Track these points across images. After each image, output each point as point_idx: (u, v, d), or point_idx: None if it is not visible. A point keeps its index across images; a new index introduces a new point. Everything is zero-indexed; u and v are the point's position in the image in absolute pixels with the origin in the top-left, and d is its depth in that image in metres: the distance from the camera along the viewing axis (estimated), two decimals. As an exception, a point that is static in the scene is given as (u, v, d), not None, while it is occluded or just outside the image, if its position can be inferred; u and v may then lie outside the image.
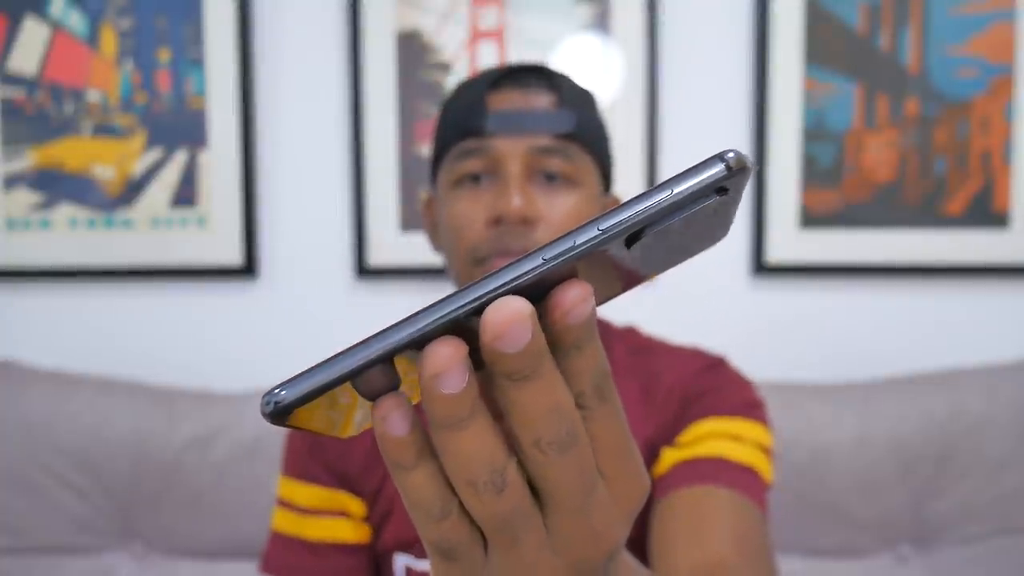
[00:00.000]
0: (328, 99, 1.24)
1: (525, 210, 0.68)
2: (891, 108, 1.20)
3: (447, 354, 0.23)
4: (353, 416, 0.27)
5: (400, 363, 0.25)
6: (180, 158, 1.24)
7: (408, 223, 1.23)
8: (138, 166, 1.24)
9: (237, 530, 1.11)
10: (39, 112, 1.24)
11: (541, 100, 0.72)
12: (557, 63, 1.21)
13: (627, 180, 1.21)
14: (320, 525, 0.80)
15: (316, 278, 1.26)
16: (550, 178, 0.71)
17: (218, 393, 1.16)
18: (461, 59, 1.21)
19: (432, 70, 1.21)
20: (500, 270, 0.24)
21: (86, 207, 1.24)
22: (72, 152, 1.24)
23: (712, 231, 0.27)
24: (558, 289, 0.24)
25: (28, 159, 1.24)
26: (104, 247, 1.25)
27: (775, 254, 1.22)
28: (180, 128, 1.23)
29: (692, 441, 0.73)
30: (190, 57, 1.23)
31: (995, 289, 1.23)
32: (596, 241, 0.24)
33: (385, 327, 0.24)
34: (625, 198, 1.22)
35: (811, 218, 1.21)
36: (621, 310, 1.25)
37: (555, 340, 0.25)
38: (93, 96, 1.23)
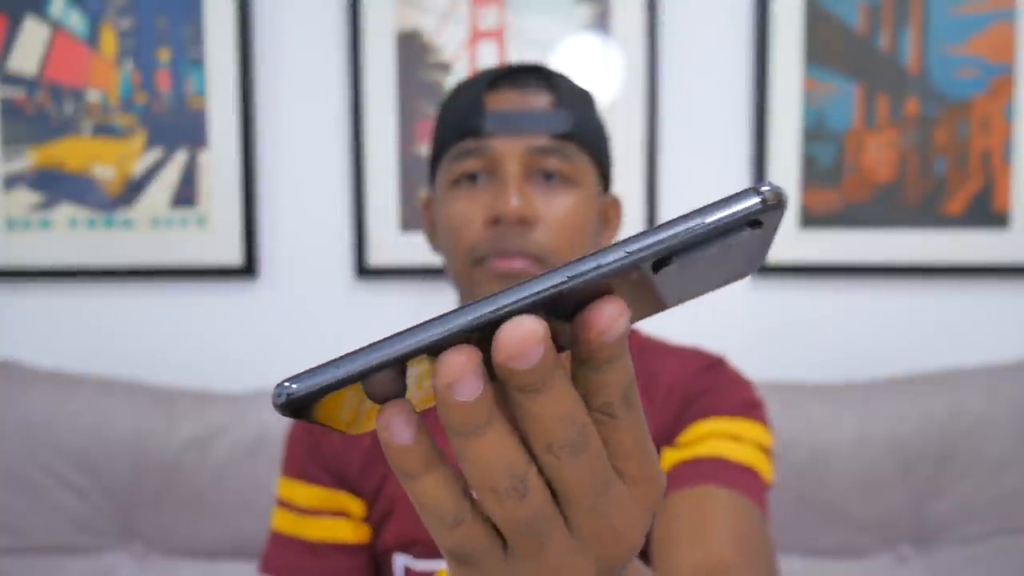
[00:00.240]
0: (328, 99, 1.24)
1: (523, 210, 0.68)
2: (891, 108, 1.20)
3: (461, 362, 0.24)
4: (365, 415, 0.27)
5: (416, 367, 0.25)
6: (180, 158, 1.24)
7: (408, 223, 1.23)
8: (138, 166, 1.24)
9: (237, 530, 1.11)
10: (39, 112, 1.24)
11: (539, 100, 0.72)
12: (557, 63, 1.21)
13: (627, 180, 1.21)
14: (320, 525, 0.80)
15: (316, 278, 1.26)
16: (548, 178, 0.71)
17: (218, 393, 1.16)
18: (461, 59, 1.21)
19: (432, 70, 1.21)
20: (523, 283, 0.24)
21: (86, 207, 1.24)
22: (72, 152, 1.24)
23: (741, 264, 0.27)
24: (594, 307, 0.24)
25: (28, 159, 1.24)
26: (104, 247, 1.25)
27: (774, 254, 1.22)
28: (180, 128, 1.23)
29: (692, 441, 0.73)
30: (190, 57, 1.23)
31: (995, 289, 1.23)
32: (622, 263, 0.23)
33: (400, 331, 0.24)
34: (625, 198, 1.22)
35: (811, 218, 1.21)
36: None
37: (587, 355, 0.25)
38: (93, 96, 1.23)
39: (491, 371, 0.27)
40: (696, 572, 0.62)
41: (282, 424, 1.12)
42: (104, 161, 1.24)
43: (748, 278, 1.24)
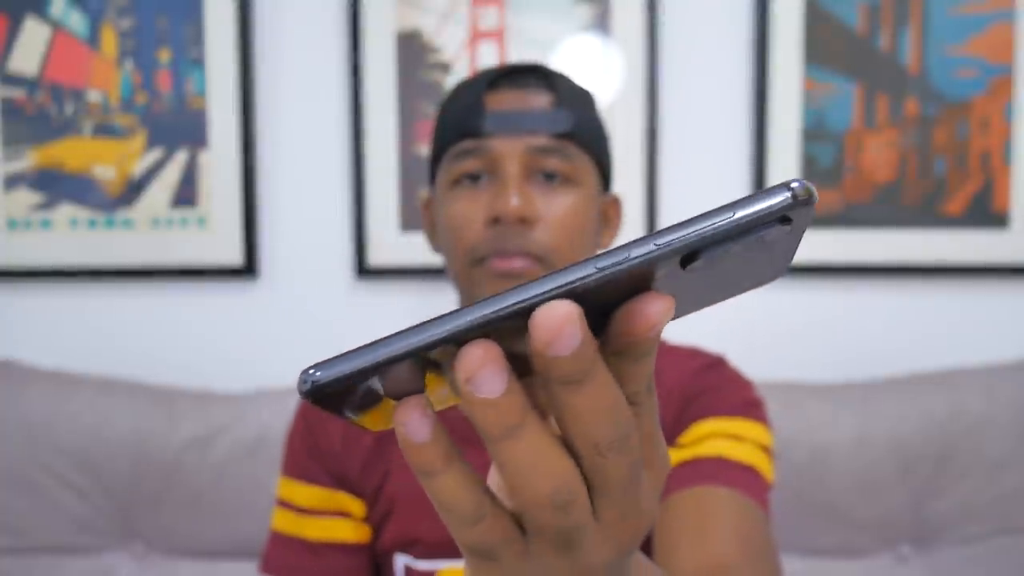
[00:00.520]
0: (328, 99, 1.24)
1: (523, 210, 0.68)
2: (891, 108, 1.20)
3: (478, 355, 0.23)
4: (385, 412, 0.27)
5: (440, 363, 0.24)
6: (180, 158, 1.24)
7: (408, 223, 1.23)
8: (138, 166, 1.24)
9: (237, 530, 1.11)
10: (40, 112, 1.24)
11: (539, 100, 0.72)
12: (557, 63, 1.21)
13: (627, 180, 1.21)
14: (320, 525, 0.80)
15: (316, 278, 1.26)
16: (549, 178, 0.71)
17: (218, 393, 1.16)
18: (461, 59, 1.21)
19: (432, 70, 1.21)
20: (549, 275, 0.23)
21: (86, 207, 1.24)
22: (72, 152, 1.24)
23: (768, 266, 0.26)
24: (643, 300, 0.24)
25: (28, 159, 1.24)
26: (104, 247, 1.25)
27: (775, 254, 1.22)
28: (180, 128, 1.23)
29: (693, 441, 0.73)
30: (190, 57, 1.23)
31: (995, 289, 1.23)
32: (651, 255, 0.23)
33: (424, 321, 0.24)
34: (625, 198, 1.22)
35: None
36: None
37: (626, 348, 0.25)
38: (93, 96, 1.23)
39: (520, 371, 0.26)
40: (699, 572, 0.62)
41: (282, 424, 1.12)
42: (104, 161, 1.24)
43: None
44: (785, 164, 1.21)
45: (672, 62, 1.22)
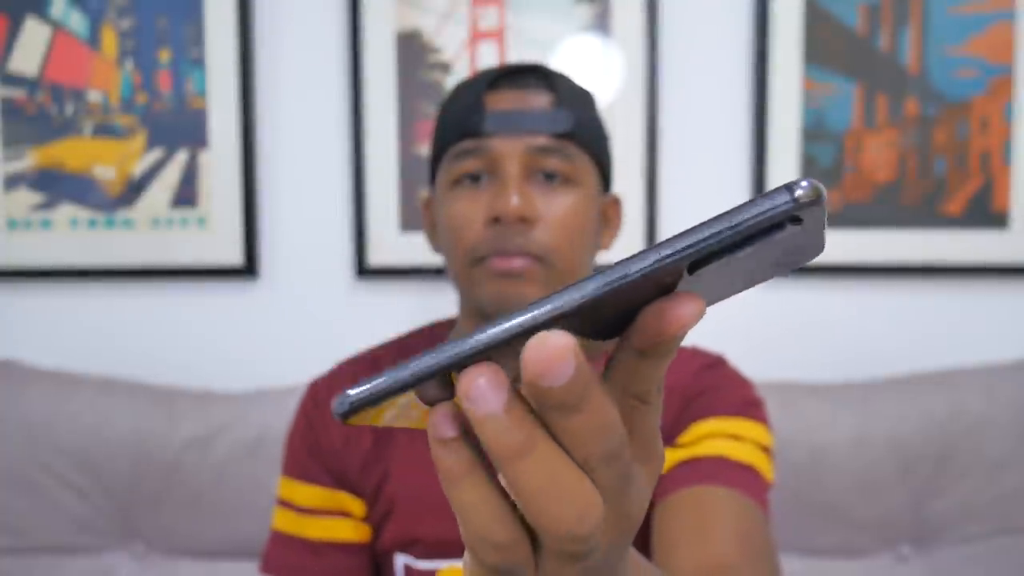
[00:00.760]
0: (328, 99, 1.24)
1: (523, 209, 0.68)
2: (890, 108, 1.20)
3: (475, 373, 0.23)
4: (423, 412, 0.28)
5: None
6: (180, 158, 1.24)
7: (408, 223, 1.23)
8: (139, 166, 1.24)
9: (237, 530, 1.11)
10: (40, 112, 1.24)
11: (539, 100, 0.72)
12: (557, 63, 1.21)
13: (627, 180, 1.21)
14: (320, 525, 0.80)
15: (316, 278, 1.26)
16: (549, 178, 0.72)
17: (218, 393, 1.16)
18: (461, 59, 1.21)
19: (432, 70, 1.21)
20: (547, 297, 0.24)
21: (87, 207, 1.25)
22: (73, 152, 1.24)
23: (794, 254, 0.26)
24: (673, 301, 0.24)
25: (29, 159, 1.24)
26: (105, 247, 1.25)
27: (775, 254, 1.22)
28: (181, 128, 1.23)
29: (692, 441, 0.73)
30: (191, 57, 1.23)
31: (995, 289, 1.23)
32: (653, 268, 0.23)
33: (447, 342, 0.24)
34: (625, 198, 1.22)
35: (811, 218, 1.21)
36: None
37: (650, 347, 0.25)
38: (94, 96, 1.24)
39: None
40: (698, 572, 0.62)
41: (282, 424, 1.12)
42: (105, 161, 1.24)
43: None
44: (785, 164, 1.21)
45: (672, 62, 1.22)
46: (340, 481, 0.80)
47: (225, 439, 1.11)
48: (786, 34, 1.20)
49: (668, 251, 0.23)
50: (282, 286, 1.26)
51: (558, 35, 1.20)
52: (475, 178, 0.72)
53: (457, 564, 0.76)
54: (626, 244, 1.22)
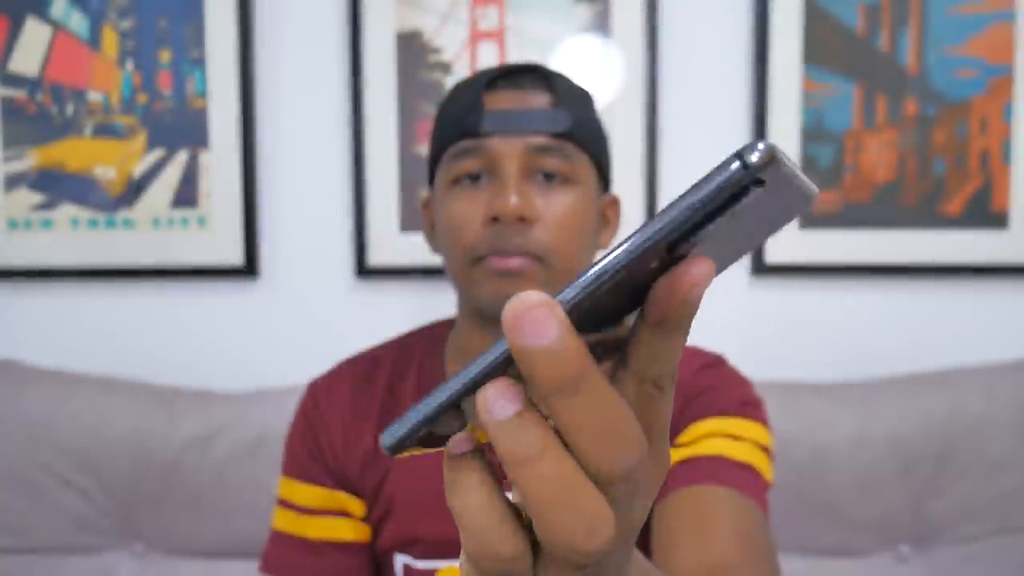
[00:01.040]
0: (328, 99, 1.24)
1: (522, 208, 0.68)
2: (890, 108, 1.20)
3: (490, 385, 0.24)
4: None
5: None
6: (181, 158, 1.24)
7: (408, 223, 1.23)
8: (139, 166, 1.24)
9: (237, 530, 1.11)
10: (40, 112, 1.24)
11: (537, 100, 0.72)
12: (557, 63, 1.21)
13: (627, 180, 1.22)
14: (320, 525, 0.80)
15: (316, 278, 1.26)
16: (547, 177, 0.72)
17: (218, 393, 1.16)
18: (461, 59, 1.21)
19: (432, 70, 1.22)
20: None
21: (87, 207, 1.25)
22: (73, 152, 1.24)
23: (777, 214, 0.26)
24: (682, 265, 0.24)
25: (29, 159, 1.24)
26: (105, 247, 1.25)
27: (775, 254, 1.22)
28: (181, 128, 1.23)
29: (691, 441, 0.73)
30: (191, 57, 1.23)
31: (994, 289, 1.23)
32: (619, 264, 0.23)
33: (472, 364, 0.25)
34: (624, 198, 1.22)
35: (810, 218, 1.21)
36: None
37: (662, 316, 0.25)
38: (94, 97, 1.24)
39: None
40: (698, 571, 0.62)
41: (282, 424, 1.12)
42: (105, 161, 1.24)
43: (748, 278, 1.24)
44: (785, 164, 1.21)
45: (672, 62, 1.22)
46: (340, 481, 0.80)
47: (225, 439, 1.11)
48: (786, 34, 1.20)
49: (639, 239, 0.23)
50: (282, 286, 1.26)
51: (558, 35, 1.20)
52: (474, 178, 0.72)
53: (457, 564, 0.76)
54: (626, 244, 1.22)
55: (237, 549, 1.12)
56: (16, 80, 1.24)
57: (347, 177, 1.25)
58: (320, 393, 0.82)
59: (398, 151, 1.22)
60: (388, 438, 0.26)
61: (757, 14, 1.19)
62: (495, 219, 0.69)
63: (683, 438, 0.74)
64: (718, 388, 0.76)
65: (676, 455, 0.73)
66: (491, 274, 0.70)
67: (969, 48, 1.19)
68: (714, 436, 0.72)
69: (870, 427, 1.09)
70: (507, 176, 0.70)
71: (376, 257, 1.23)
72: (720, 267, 0.28)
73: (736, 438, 0.72)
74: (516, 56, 1.21)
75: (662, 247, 0.23)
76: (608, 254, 0.24)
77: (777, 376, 1.25)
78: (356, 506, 0.80)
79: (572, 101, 0.73)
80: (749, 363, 1.25)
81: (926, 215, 1.21)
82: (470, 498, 0.25)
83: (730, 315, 1.24)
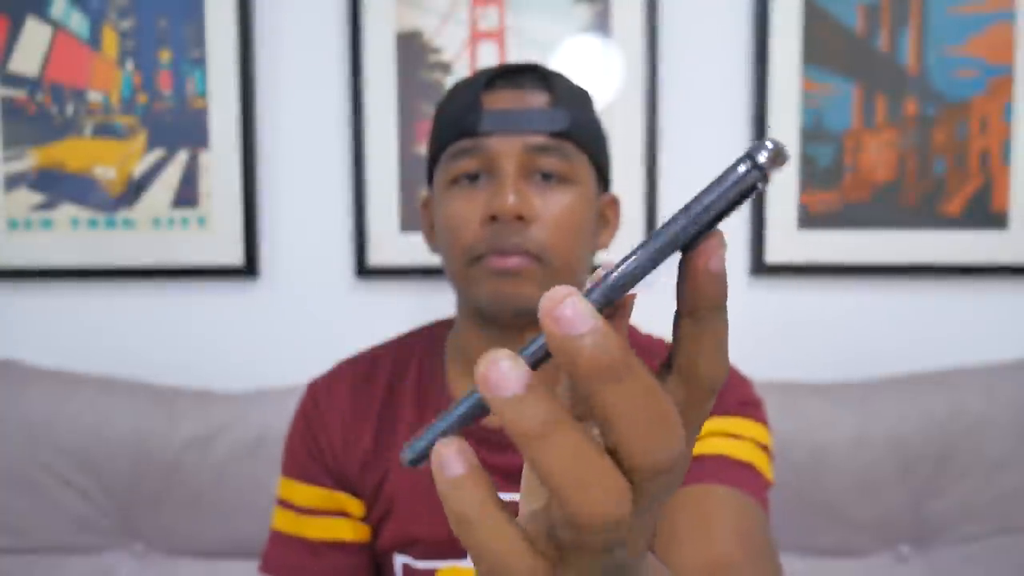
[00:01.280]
0: (328, 99, 1.24)
1: (520, 207, 0.68)
2: (890, 108, 1.20)
3: (489, 362, 0.23)
4: None
5: None
6: (181, 158, 1.24)
7: (408, 223, 1.23)
8: (139, 166, 1.24)
9: (237, 530, 1.11)
10: (40, 112, 1.24)
11: (536, 99, 0.72)
12: (557, 63, 1.21)
13: (627, 180, 1.22)
14: (320, 525, 0.80)
15: (316, 278, 1.26)
16: (546, 177, 0.72)
17: (218, 393, 1.16)
18: (461, 59, 1.21)
19: (432, 70, 1.22)
20: (534, 340, 0.25)
21: (87, 207, 1.25)
22: (73, 152, 1.24)
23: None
24: (700, 242, 0.25)
25: (29, 159, 1.24)
26: (105, 247, 1.25)
27: (774, 254, 1.22)
28: (181, 129, 1.23)
29: (691, 440, 0.73)
30: (191, 58, 1.23)
31: (994, 289, 1.23)
32: (640, 269, 0.24)
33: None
34: (624, 198, 1.22)
35: (810, 218, 1.21)
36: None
37: (697, 302, 0.25)
38: (94, 97, 1.24)
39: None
40: (700, 570, 0.62)
41: (282, 424, 1.12)
42: (105, 161, 1.24)
43: (747, 278, 1.24)
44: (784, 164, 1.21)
45: (672, 62, 1.22)
46: (340, 481, 0.80)
47: (225, 439, 1.11)
48: (785, 34, 1.20)
49: (655, 246, 0.24)
50: (282, 286, 1.26)
51: (558, 35, 1.20)
52: (472, 177, 0.72)
53: (456, 564, 0.76)
54: (626, 244, 1.22)
55: (237, 549, 1.12)
56: (16, 80, 1.24)
57: (347, 177, 1.25)
58: (320, 393, 0.82)
59: (398, 151, 1.22)
60: (410, 452, 0.26)
61: (757, 14, 1.19)
62: (493, 218, 0.69)
63: (683, 438, 0.73)
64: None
65: (676, 455, 0.73)
66: (489, 273, 0.70)
67: (969, 48, 1.19)
68: (715, 435, 0.72)
69: (870, 427, 1.09)
70: (505, 175, 0.70)
71: (376, 257, 1.23)
72: None
73: (736, 437, 0.72)
74: (516, 56, 1.21)
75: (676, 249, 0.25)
76: (628, 258, 0.24)
77: (776, 376, 1.25)
78: (356, 506, 0.80)
79: (571, 101, 0.73)
80: (748, 363, 1.25)
81: (926, 215, 1.21)
82: (475, 526, 0.24)
83: (729, 315, 1.24)
